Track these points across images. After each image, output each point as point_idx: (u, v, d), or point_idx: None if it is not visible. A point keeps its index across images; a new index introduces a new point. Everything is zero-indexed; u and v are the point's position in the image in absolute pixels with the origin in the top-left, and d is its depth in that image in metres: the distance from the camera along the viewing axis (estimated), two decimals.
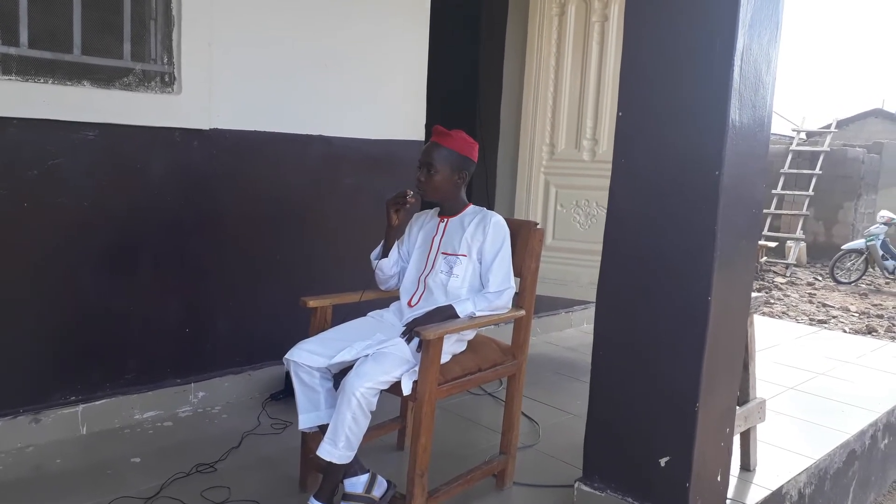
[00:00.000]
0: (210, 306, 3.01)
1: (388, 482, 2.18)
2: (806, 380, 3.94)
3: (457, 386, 2.19)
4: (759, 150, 2.10)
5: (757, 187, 2.14)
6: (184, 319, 2.94)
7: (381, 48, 3.39)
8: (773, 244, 10.53)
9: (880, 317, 7.84)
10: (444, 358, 2.14)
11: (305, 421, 2.18)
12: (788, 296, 8.85)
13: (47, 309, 2.59)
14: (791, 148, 12.02)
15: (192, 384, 2.99)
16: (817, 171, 11.48)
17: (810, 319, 7.41)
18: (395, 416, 2.70)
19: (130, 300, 2.78)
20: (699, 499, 2.09)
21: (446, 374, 2.14)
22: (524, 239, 2.37)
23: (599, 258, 2.24)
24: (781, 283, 9.72)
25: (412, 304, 2.35)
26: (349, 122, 3.32)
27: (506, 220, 2.34)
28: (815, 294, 9.06)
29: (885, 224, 10.02)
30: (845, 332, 6.77)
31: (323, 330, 2.31)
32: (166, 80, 2.80)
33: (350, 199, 3.38)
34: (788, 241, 11.10)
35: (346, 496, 2.12)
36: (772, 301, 8.33)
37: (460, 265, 2.29)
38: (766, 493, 2.51)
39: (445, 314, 2.20)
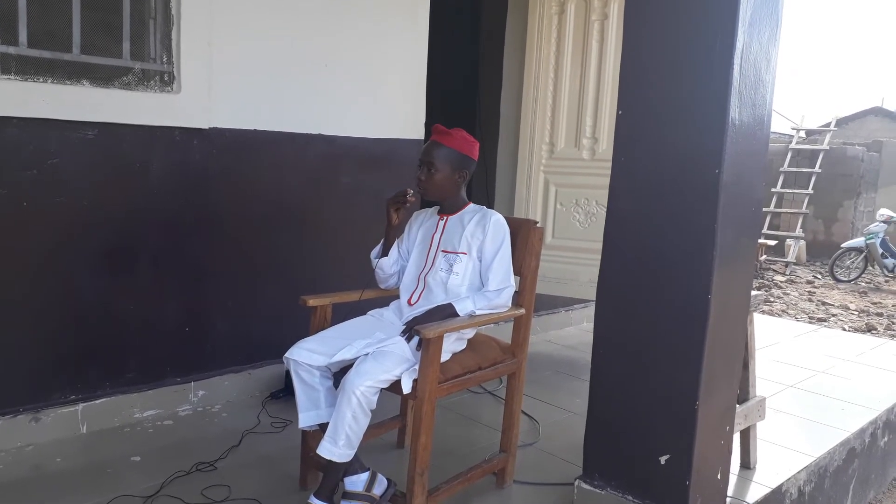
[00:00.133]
0: (210, 305, 3.01)
1: (389, 480, 2.18)
2: (806, 378, 3.95)
3: (457, 384, 2.19)
4: (758, 149, 2.10)
5: (757, 186, 2.14)
6: (183, 318, 2.94)
7: (381, 47, 3.39)
8: (772, 242, 10.54)
9: (880, 315, 7.84)
10: (444, 356, 2.14)
11: (305, 419, 2.18)
12: (788, 294, 8.85)
13: (47, 308, 2.59)
14: (791, 146, 12.03)
15: (192, 383, 2.99)
16: (817, 169, 11.49)
17: (810, 318, 7.42)
18: (396, 415, 2.70)
19: (130, 299, 2.78)
20: (699, 497, 2.09)
21: (446, 372, 2.14)
22: (524, 237, 2.37)
23: (599, 257, 2.24)
24: (781, 282, 9.72)
25: (412, 302, 2.35)
26: (349, 121, 3.32)
27: (505, 218, 2.34)
28: (814, 292, 9.06)
29: (884, 222, 10.02)
30: (845, 330, 6.77)
31: (323, 329, 2.31)
32: (165, 80, 2.80)
33: (350, 198, 3.38)
34: (788, 240, 11.10)
35: (347, 494, 2.12)
36: (771, 299, 8.33)
37: (460, 263, 2.29)
38: (766, 490, 2.51)
39: (445, 313, 2.20)
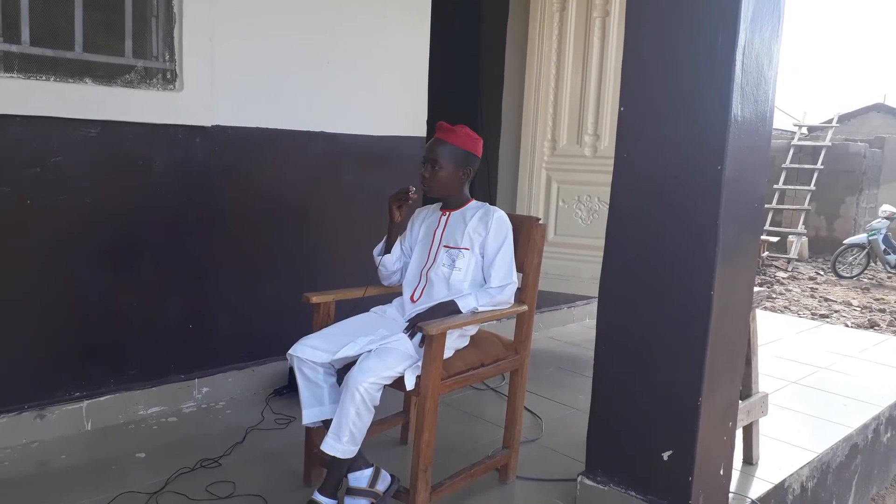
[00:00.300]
0: (213, 302, 3.01)
1: (392, 476, 2.19)
2: (808, 374, 3.95)
3: (460, 381, 2.19)
4: (761, 145, 2.10)
5: (759, 182, 2.14)
6: (187, 316, 2.95)
7: (383, 44, 3.39)
8: (774, 239, 10.45)
9: (882, 311, 7.84)
10: (447, 353, 2.14)
11: (309, 416, 2.19)
12: (790, 290, 8.84)
13: (50, 306, 2.60)
14: (793, 143, 12.01)
15: (196, 380, 3.00)
16: (819, 165, 11.47)
17: (812, 314, 7.41)
18: (399, 411, 2.70)
19: (133, 296, 2.79)
20: (702, 492, 2.09)
21: (449, 369, 2.14)
22: (526, 234, 2.37)
23: (601, 253, 2.24)
24: (783, 278, 9.71)
25: (414, 298, 2.35)
26: (351, 119, 3.32)
27: (508, 215, 2.34)
28: (816, 289, 9.06)
29: (886, 218, 10.01)
30: (847, 326, 6.77)
31: (326, 326, 2.32)
32: (168, 77, 2.80)
33: (352, 195, 3.38)
34: (790, 236, 11.09)
35: (350, 490, 2.13)
36: (774, 296, 8.33)
37: (463, 258, 2.29)
38: (769, 486, 2.52)
39: (448, 309, 2.20)
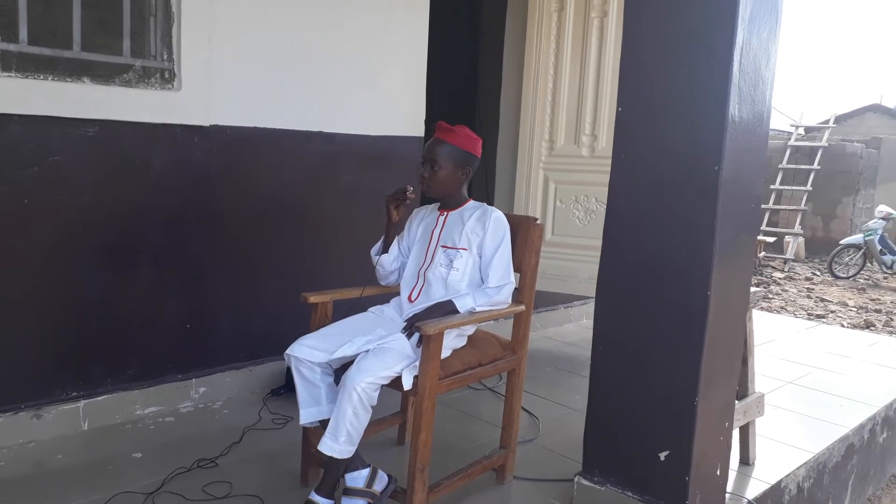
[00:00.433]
0: (211, 302, 3.01)
1: (389, 476, 2.19)
2: (804, 374, 3.96)
3: (457, 381, 2.20)
4: (758, 145, 2.10)
5: (756, 182, 2.15)
6: (185, 315, 2.94)
7: (381, 44, 3.39)
8: (771, 239, 10.55)
9: (878, 311, 7.86)
10: (445, 353, 2.14)
11: (306, 416, 2.19)
12: (787, 291, 8.86)
13: (48, 305, 2.60)
14: (789, 143, 12.02)
15: (193, 380, 2.99)
16: (816, 166, 11.48)
17: (808, 314, 7.43)
18: (396, 411, 2.71)
19: (131, 296, 2.79)
20: (699, 493, 2.09)
21: (447, 368, 2.14)
22: (524, 234, 2.38)
23: (598, 253, 2.24)
24: (780, 278, 9.73)
25: (412, 298, 2.35)
26: (349, 119, 3.32)
27: (505, 215, 2.35)
28: (813, 289, 9.07)
29: (882, 219, 10.02)
30: (843, 326, 6.78)
31: (324, 325, 2.32)
32: (166, 77, 2.80)
33: (350, 195, 3.38)
34: (787, 236, 11.11)
35: (347, 491, 2.13)
36: (770, 296, 8.34)
37: (460, 259, 2.29)
38: (766, 486, 2.52)
39: (445, 309, 2.20)
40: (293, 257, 3.22)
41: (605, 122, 3.82)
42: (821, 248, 11.85)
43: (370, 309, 2.43)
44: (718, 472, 2.23)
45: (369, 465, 2.17)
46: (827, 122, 12.57)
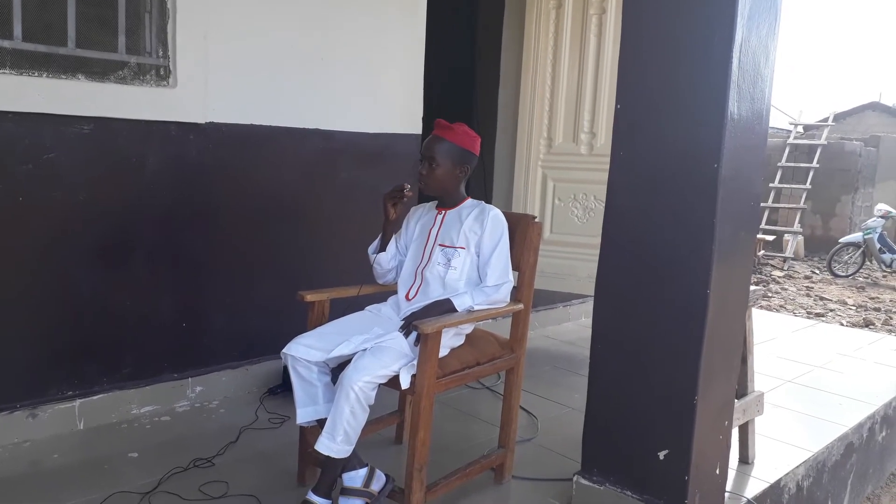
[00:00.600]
0: (207, 301, 3.00)
1: (387, 476, 2.18)
2: (804, 373, 3.95)
3: (455, 380, 2.18)
4: (757, 143, 2.09)
5: (755, 180, 2.14)
6: (180, 314, 2.93)
7: (378, 41, 3.38)
8: (770, 238, 10.54)
9: (877, 310, 7.86)
10: (443, 352, 2.13)
11: (303, 415, 2.18)
12: (786, 289, 8.86)
13: (43, 304, 2.58)
14: (788, 141, 12.02)
15: (190, 379, 2.98)
16: (815, 164, 11.48)
17: (808, 313, 7.42)
18: (394, 410, 2.69)
19: (126, 295, 2.77)
20: (698, 492, 2.09)
21: (444, 367, 2.13)
22: (522, 232, 2.36)
23: (597, 252, 2.23)
24: (779, 277, 9.73)
25: (409, 296, 2.34)
26: (346, 116, 3.31)
27: (504, 213, 2.33)
28: (812, 287, 9.07)
29: (882, 217, 10.03)
30: (843, 325, 6.78)
31: (321, 324, 2.31)
32: (161, 74, 2.78)
33: (347, 193, 3.37)
34: (786, 235, 11.11)
35: (345, 490, 2.12)
36: (769, 294, 8.34)
37: (458, 258, 2.28)
38: (765, 485, 2.52)
39: (443, 308, 2.19)
40: (290, 255, 3.21)
41: (604, 119, 3.81)
42: (820, 247, 11.85)
43: (367, 308, 2.42)
44: (718, 471, 2.22)
45: (367, 465, 2.16)
46: (826, 120, 12.57)
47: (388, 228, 2.40)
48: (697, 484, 2.08)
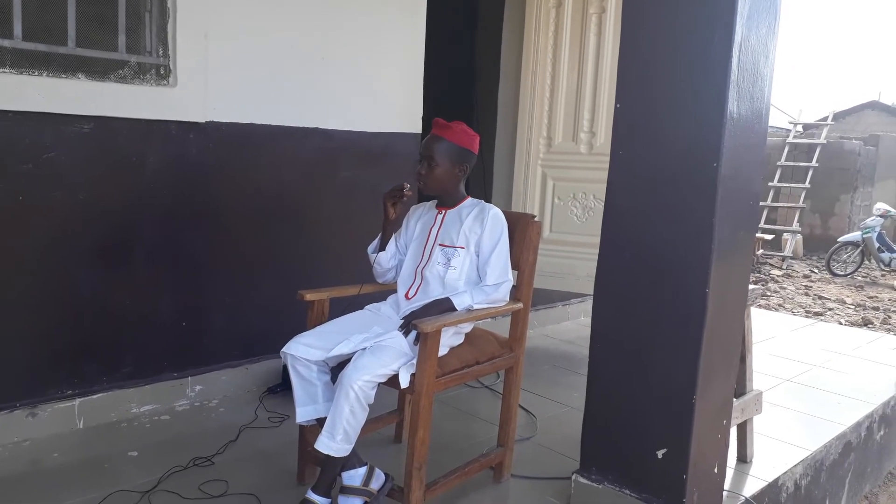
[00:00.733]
0: (207, 300, 3.00)
1: (386, 475, 2.18)
2: (802, 372, 3.96)
3: (454, 379, 2.19)
4: (756, 142, 2.09)
5: (754, 179, 2.14)
6: (180, 313, 2.93)
7: (378, 40, 3.38)
8: (769, 237, 10.54)
9: (876, 309, 7.86)
10: (442, 351, 2.13)
11: (303, 414, 2.18)
12: (785, 288, 8.87)
13: (43, 303, 2.58)
14: (788, 140, 12.02)
15: (189, 378, 2.98)
16: (814, 163, 11.49)
17: (806, 312, 7.43)
18: (393, 409, 2.70)
19: (126, 294, 2.78)
20: (696, 490, 2.09)
21: (444, 366, 2.14)
22: (522, 231, 2.37)
23: (597, 251, 2.23)
24: (778, 276, 9.74)
25: (409, 296, 2.34)
26: (346, 115, 3.31)
27: (503, 212, 2.33)
28: (811, 286, 9.08)
29: (880, 216, 10.03)
30: (841, 324, 6.78)
31: (320, 323, 2.31)
32: (161, 73, 2.78)
33: (347, 192, 3.37)
34: (785, 234, 11.11)
35: (344, 489, 2.12)
36: (768, 293, 8.34)
37: (458, 257, 2.28)
38: (763, 484, 2.52)
39: (443, 307, 2.19)
40: (290, 255, 3.21)
41: (604, 118, 3.81)
42: (819, 246, 11.85)
43: (367, 307, 2.42)
44: (716, 470, 2.22)
45: (366, 464, 2.16)
46: (825, 119, 12.56)
47: (388, 228, 2.40)
48: (696, 483, 2.08)
